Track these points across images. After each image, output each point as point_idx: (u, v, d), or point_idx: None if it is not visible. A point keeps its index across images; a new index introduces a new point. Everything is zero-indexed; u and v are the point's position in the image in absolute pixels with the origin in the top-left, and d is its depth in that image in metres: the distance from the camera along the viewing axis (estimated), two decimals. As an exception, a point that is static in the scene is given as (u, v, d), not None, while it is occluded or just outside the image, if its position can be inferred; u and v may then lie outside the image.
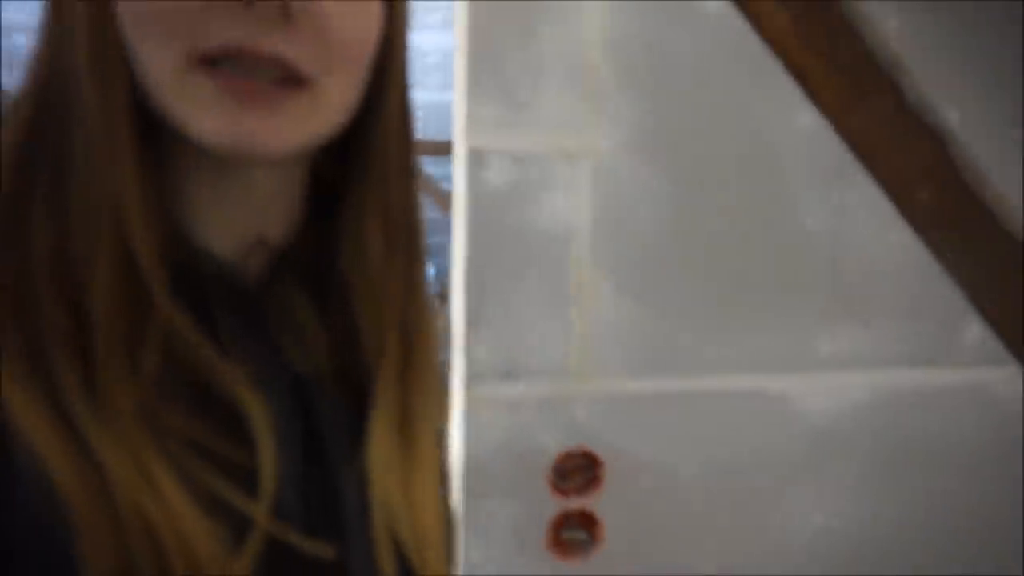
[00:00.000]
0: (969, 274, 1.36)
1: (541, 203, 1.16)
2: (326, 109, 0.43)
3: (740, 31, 1.23)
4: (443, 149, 1.35)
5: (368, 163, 0.48)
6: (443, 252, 1.19)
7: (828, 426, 1.31)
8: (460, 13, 1.15)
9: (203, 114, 0.40)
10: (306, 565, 0.44)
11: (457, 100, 1.17)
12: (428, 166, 2.26)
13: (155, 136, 0.42)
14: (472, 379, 1.15)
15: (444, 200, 1.93)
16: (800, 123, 1.24)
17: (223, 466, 0.41)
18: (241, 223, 0.46)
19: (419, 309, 0.51)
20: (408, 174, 0.50)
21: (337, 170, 0.49)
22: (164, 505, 0.39)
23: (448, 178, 1.30)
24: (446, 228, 1.21)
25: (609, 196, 1.18)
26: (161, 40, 0.40)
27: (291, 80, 0.41)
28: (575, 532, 1.22)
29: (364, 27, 0.44)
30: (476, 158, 1.13)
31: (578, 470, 1.21)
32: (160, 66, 0.40)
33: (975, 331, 1.36)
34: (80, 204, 0.40)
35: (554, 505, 1.21)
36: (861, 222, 1.29)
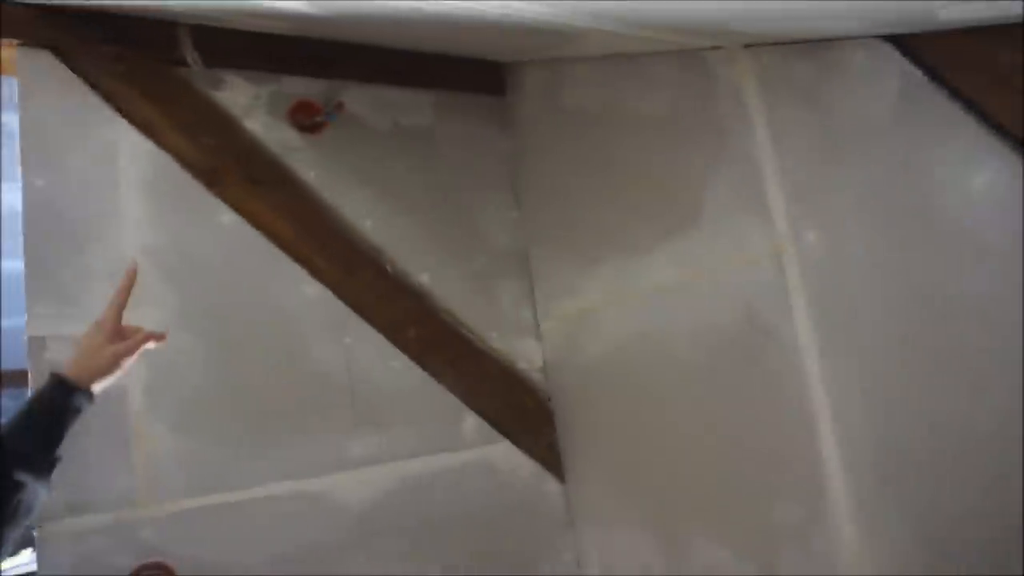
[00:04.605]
0: (457, 382, 1.92)
1: (99, 371, 1.51)
2: None
3: (252, 236, 1.74)
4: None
5: None
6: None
7: (367, 511, 1.72)
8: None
9: None
10: None
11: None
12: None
13: None
14: (41, 518, 1.40)
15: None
16: (307, 292, 1.76)
17: None
18: None
19: None
20: None
21: None
22: None
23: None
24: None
25: (158, 361, 1.57)
26: None
27: None
28: (156, 637, 1.46)
29: None
30: (38, 344, 1.47)
31: (155, 582, 1.48)
32: None
33: (471, 421, 1.91)
34: None
35: (135, 616, 1.45)
36: (366, 356, 1.80)
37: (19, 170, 1.53)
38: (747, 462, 1.48)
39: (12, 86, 1.57)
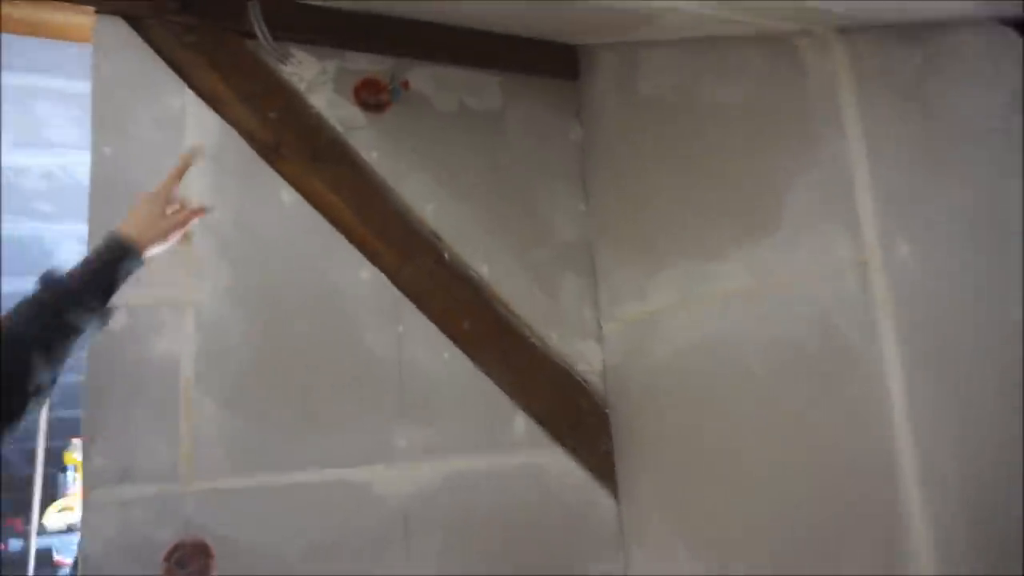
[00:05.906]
0: (509, 380, 1.83)
1: (151, 342, 1.52)
2: None
3: (310, 214, 1.71)
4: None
5: None
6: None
7: (408, 506, 1.67)
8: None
9: None
10: None
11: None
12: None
13: None
14: (89, 483, 1.42)
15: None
16: (362, 276, 1.72)
17: None
18: None
19: None
20: None
21: None
22: None
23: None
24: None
25: (209, 335, 1.56)
26: None
27: None
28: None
29: None
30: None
31: (192, 558, 1.47)
32: None
33: (521, 422, 1.82)
34: None
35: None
36: (418, 345, 1.75)
37: (88, 136, 1.55)
38: (815, 497, 1.32)
39: (84, 53, 1.58)
